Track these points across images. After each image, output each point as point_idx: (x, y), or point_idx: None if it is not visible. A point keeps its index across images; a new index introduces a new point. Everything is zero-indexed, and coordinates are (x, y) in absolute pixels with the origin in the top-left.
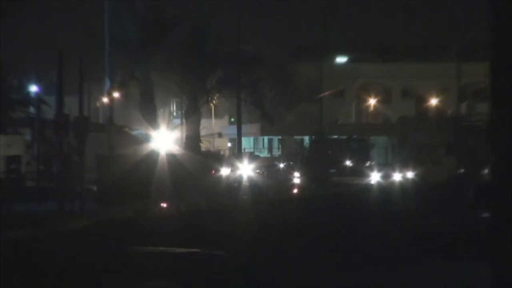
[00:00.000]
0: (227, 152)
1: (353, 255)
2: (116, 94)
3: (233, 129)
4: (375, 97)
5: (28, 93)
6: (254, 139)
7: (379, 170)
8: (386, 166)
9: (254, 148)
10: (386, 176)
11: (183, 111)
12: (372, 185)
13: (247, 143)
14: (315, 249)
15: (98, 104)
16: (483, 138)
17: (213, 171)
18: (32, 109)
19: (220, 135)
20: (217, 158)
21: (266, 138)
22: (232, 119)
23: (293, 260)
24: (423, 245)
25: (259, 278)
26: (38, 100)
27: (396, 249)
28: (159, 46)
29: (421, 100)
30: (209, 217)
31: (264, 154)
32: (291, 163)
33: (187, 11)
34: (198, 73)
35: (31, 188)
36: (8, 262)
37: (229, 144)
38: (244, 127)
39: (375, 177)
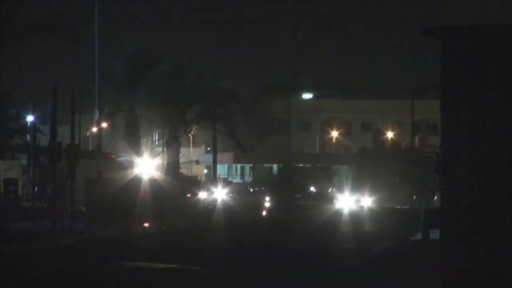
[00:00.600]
0: (203, 178)
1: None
2: (104, 124)
3: (209, 157)
4: (337, 130)
5: (25, 122)
6: (228, 166)
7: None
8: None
9: (228, 174)
10: (355, 202)
11: (165, 140)
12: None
13: (221, 170)
14: (282, 265)
15: (87, 133)
16: (434, 168)
17: (191, 195)
18: (28, 137)
19: (197, 162)
20: (194, 183)
21: (239, 165)
22: (208, 148)
23: (263, 274)
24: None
25: None
26: (34, 128)
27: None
28: (144, 82)
29: (379, 133)
30: (187, 236)
31: (237, 180)
32: (261, 188)
33: (170, 50)
34: (179, 106)
35: (26, 208)
36: (6, 275)
37: (205, 171)
38: (219, 156)
39: (342, 203)
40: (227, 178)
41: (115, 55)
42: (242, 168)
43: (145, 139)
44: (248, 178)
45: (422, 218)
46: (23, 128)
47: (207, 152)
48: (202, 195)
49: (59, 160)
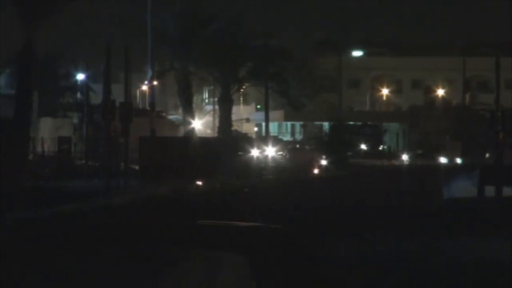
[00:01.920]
0: (254, 136)
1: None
2: (156, 83)
3: (259, 115)
4: (387, 87)
5: (76, 80)
6: (278, 124)
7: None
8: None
9: (278, 132)
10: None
11: (217, 99)
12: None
13: (272, 127)
14: (349, 220)
15: (138, 92)
16: (485, 126)
17: (243, 152)
18: (79, 95)
19: (247, 120)
20: (246, 141)
21: (289, 123)
22: (258, 106)
23: (336, 229)
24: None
25: (312, 247)
26: (86, 87)
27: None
28: (196, 40)
29: (429, 90)
30: (242, 194)
31: (287, 138)
32: (312, 147)
33: (222, 7)
34: (231, 64)
35: (80, 166)
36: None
37: (255, 129)
38: (270, 114)
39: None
40: (277, 136)
41: (168, 14)
42: (293, 126)
43: (195, 97)
44: (298, 136)
45: (477, 176)
46: (74, 86)
47: (257, 110)
48: (254, 152)
49: (113, 118)
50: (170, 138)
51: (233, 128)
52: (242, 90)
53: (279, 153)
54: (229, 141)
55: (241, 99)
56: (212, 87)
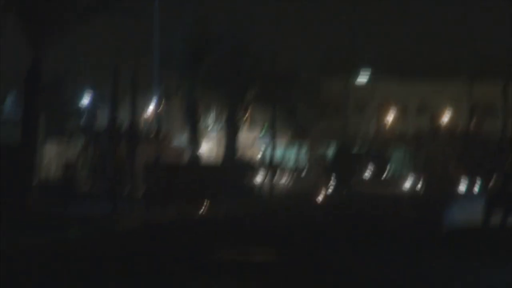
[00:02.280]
0: (257, 162)
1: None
2: (160, 107)
3: (264, 140)
4: (393, 112)
5: (81, 104)
6: (283, 149)
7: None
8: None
9: (282, 157)
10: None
11: (223, 123)
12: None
13: (278, 152)
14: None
15: (143, 115)
16: (491, 151)
17: (246, 179)
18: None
19: (252, 144)
20: (250, 167)
21: (293, 148)
22: (263, 130)
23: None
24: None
25: None
26: (90, 110)
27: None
28: (203, 64)
29: (435, 116)
30: (247, 220)
31: (291, 162)
32: (316, 173)
33: (229, 30)
34: (237, 89)
35: (85, 192)
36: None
37: (259, 154)
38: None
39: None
40: (281, 161)
41: (174, 37)
42: (298, 151)
43: (201, 121)
44: (302, 161)
45: (485, 202)
46: (80, 110)
47: (261, 135)
48: (258, 179)
49: (119, 142)
50: (173, 164)
51: (238, 154)
52: (248, 114)
53: (283, 179)
54: (234, 168)
55: (247, 124)
56: (217, 112)
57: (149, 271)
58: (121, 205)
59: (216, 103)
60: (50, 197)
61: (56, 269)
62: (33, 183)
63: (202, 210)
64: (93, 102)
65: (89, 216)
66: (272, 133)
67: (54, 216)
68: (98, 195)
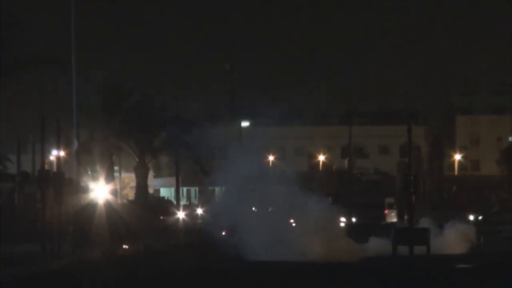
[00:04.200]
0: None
1: None
2: (63, 153)
3: (156, 182)
4: (273, 154)
5: None
6: (173, 190)
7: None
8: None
9: (174, 197)
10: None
11: (134, 166)
12: None
13: (168, 192)
14: None
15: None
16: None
17: (164, 216)
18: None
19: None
20: (164, 205)
21: (185, 189)
22: (153, 174)
23: None
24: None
25: None
26: (3, 158)
27: None
28: (116, 113)
29: (311, 156)
30: (166, 257)
31: (184, 202)
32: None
33: (139, 82)
34: (146, 135)
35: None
36: None
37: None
38: (166, 180)
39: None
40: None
41: (90, 89)
42: (188, 191)
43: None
44: (194, 200)
45: (392, 235)
46: None
47: (154, 177)
48: (178, 215)
49: (48, 187)
50: (94, 205)
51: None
52: (156, 158)
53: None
54: (150, 205)
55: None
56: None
57: None
58: (50, 245)
59: (128, 147)
60: None
61: None
62: None
63: (124, 247)
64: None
65: (22, 255)
66: (177, 176)
67: None
68: (26, 236)
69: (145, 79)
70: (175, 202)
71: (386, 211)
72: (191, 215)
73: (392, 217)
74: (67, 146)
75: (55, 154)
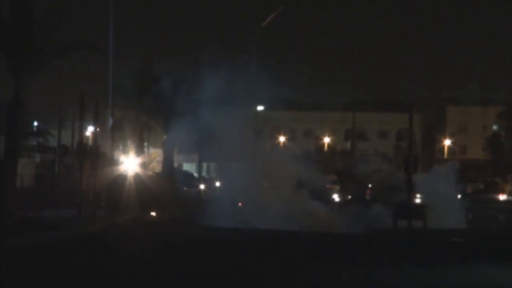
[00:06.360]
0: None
1: None
2: (98, 129)
3: (180, 157)
4: (284, 135)
5: (36, 126)
6: (196, 164)
7: None
8: None
9: (196, 171)
10: None
11: (162, 142)
12: None
13: (190, 167)
14: None
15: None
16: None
17: (187, 187)
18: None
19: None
20: (189, 177)
21: (205, 164)
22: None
23: None
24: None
25: None
26: (45, 132)
27: None
28: (148, 94)
29: (318, 138)
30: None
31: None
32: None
33: (169, 66)
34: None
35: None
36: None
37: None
38: (187, 155)
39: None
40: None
41: (125, 72)
42: (208, 166)
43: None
44: (213, 174)
45: (392, 210)
46: (36, 131)
47: (178, 152)
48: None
49: (85, 159)
50: (125, 176)
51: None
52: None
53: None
54: (175, 177)
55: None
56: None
57: None
58: (85, 211)
59: (157, 125)
60: (27, 203)
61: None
62: (15, 192)
63: (151, 214)
64: (45, 124)
65: (63, 220)
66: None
67: (33, 220)
68: (66, 202)
69: (176, 64)
70: (196, 175)
71: None
72: (210, 187)
73: None
74: (102, 123)
75: (92, 130)
